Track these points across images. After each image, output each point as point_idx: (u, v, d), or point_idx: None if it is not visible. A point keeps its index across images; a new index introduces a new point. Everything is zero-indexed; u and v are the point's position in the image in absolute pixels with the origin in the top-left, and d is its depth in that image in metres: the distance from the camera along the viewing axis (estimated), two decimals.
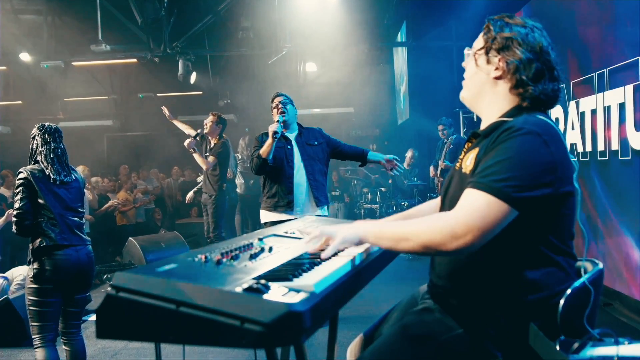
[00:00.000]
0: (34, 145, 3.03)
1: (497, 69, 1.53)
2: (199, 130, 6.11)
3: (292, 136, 4.18)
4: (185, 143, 5.91)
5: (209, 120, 6.06)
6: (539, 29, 1.54)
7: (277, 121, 3.99)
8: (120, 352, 4.04)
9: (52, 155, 3.00)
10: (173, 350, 3.84)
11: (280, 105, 4.12)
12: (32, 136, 3.05)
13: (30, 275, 2.87)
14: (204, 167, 5.98)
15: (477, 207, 1.33)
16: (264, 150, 3.95)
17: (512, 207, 1.32)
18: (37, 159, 3.00)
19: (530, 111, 1.50)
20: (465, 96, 1.66)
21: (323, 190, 4.20)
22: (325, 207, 4.22)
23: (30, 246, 2.91)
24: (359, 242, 1.50)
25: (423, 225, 1.38)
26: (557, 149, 1.39)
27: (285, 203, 4.05)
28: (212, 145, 6.08)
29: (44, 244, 2.86)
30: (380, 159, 4.23)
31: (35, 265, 2.86)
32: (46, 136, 3.02)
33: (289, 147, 4.11)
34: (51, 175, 2.94)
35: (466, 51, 1.66)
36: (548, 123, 1.44)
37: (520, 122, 1.41)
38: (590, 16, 4.67)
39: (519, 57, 1.49)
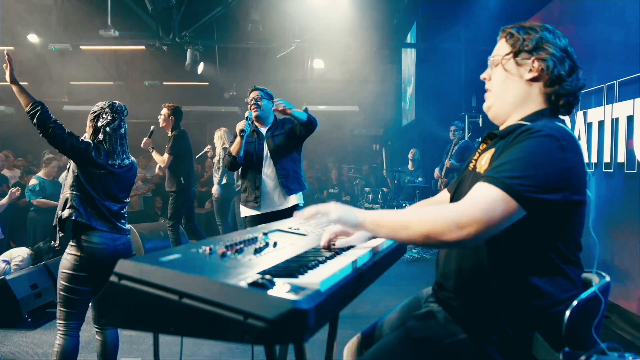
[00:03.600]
0: (98, 124, 2.88)
1: (531, 70, 1.51)
2: (152, 127, 5.78)
3: (264, 130, 4.09)
4: (142, 144, 5.64)
5: (161, 113, 5.86)
6: (558, 32, 1.54)
7: (246, 118, 3.91)
8: None
9: (115, 136, 2.88)
10: (168, 341, 3.82)
11: (253, 101, 4.04)
12: (95, 113, 2.91)
13: (66, 260, 2.77)
14: (162, 166, 5.86)
15: (487, 200, 1.30)
16: (233, 148, 3.96)
17: (521, 206, 1.30)
18: (100, 138, 2.86)
19: (552, 116, 1.50)
20: (492, 104, 1.60)
21: (295, 177, 4.06)
22: (301, 194, 4.09)
23: (59, 214, 2.76)
24: (357, 227, 1.44)
25: (426, 214, 1.33)
26: (574, 156, 1.37)
27: (253, 198, 4.03)
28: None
29: (74, 217, 2.72)
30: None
31: (73, 251, 2.76)
32: (114, 115, 2.92)
33: (260, 142, 4.04)
34: (107, 158, 2.82)
35: (490, 59, 1.61)
36: (567, 130, 1.43)
37: (539, 125, 1.40)
38: (601, 28, 4.64)
39: (553, 54, 1.48)
